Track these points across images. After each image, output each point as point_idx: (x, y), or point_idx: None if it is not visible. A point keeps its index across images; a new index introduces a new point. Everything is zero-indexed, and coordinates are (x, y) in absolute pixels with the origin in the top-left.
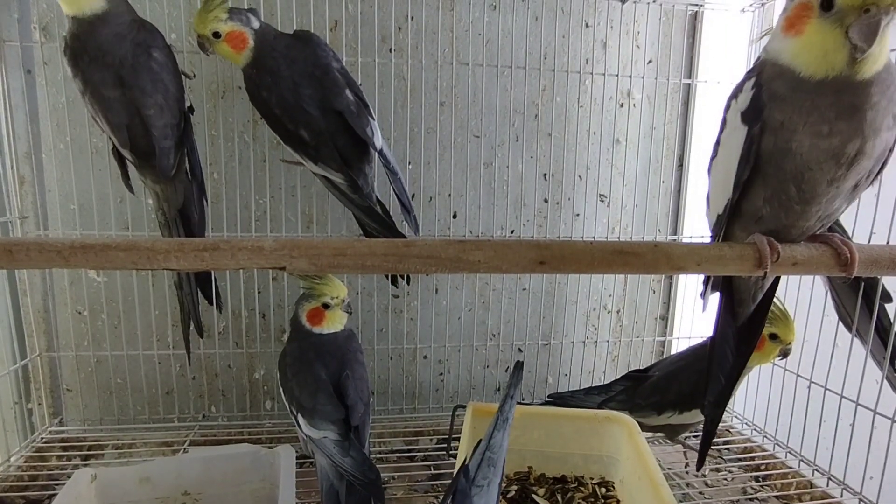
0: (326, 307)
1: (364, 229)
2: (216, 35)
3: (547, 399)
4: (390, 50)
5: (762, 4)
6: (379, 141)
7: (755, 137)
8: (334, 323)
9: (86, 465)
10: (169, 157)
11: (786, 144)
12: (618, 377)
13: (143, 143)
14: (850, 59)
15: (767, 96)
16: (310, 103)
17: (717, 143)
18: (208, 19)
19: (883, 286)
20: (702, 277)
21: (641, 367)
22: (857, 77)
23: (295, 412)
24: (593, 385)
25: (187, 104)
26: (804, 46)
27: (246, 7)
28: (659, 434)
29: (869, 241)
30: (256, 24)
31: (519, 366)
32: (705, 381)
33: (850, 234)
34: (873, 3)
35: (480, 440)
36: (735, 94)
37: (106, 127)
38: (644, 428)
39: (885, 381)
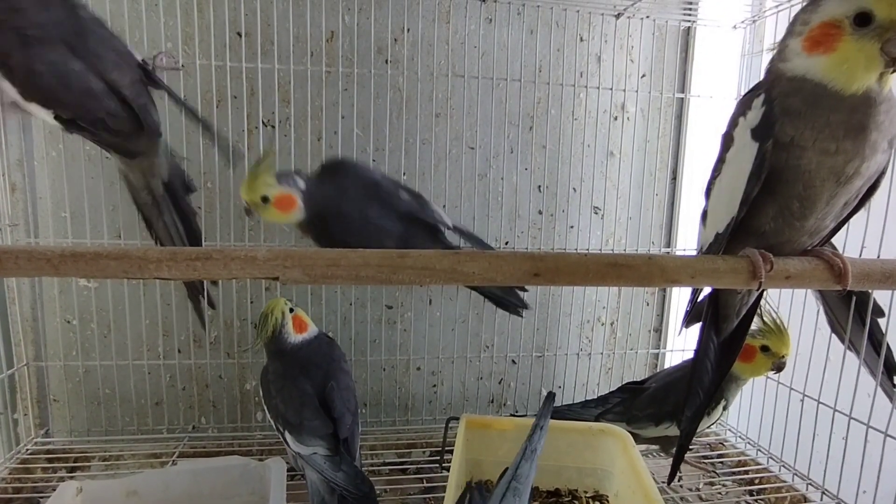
0: (292, 311)
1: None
2: (265, 199)
3: None
4: (386, 61)
5: (753, 21)
6: (449, 220)
7: (767, 154)
8: (310, 321)
9: (72, 478)
10: (151, 113)
11: (796, 161)
12: (613, 389)
13: (121, 112)
14: (880, 74)
15: (780, 111)
16: (380, 218)
17: (721, 160)
18: (257, 185)
19: (874, 300)
20: (685, 305)
21: (636, 380)
22: (877, 93)
23: (282, 429)
24: (588, 397)
25: (139, 58)
26: (839, 62)
27: (244, 31)
28: (653, 447)
29: (860, 255)
30: (302, 184)
31: (550, 397)
32: (685, 395)
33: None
34: None
35: (507, 469)
36: (742, 111)
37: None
38: (640, 440)
39: (877, 389)
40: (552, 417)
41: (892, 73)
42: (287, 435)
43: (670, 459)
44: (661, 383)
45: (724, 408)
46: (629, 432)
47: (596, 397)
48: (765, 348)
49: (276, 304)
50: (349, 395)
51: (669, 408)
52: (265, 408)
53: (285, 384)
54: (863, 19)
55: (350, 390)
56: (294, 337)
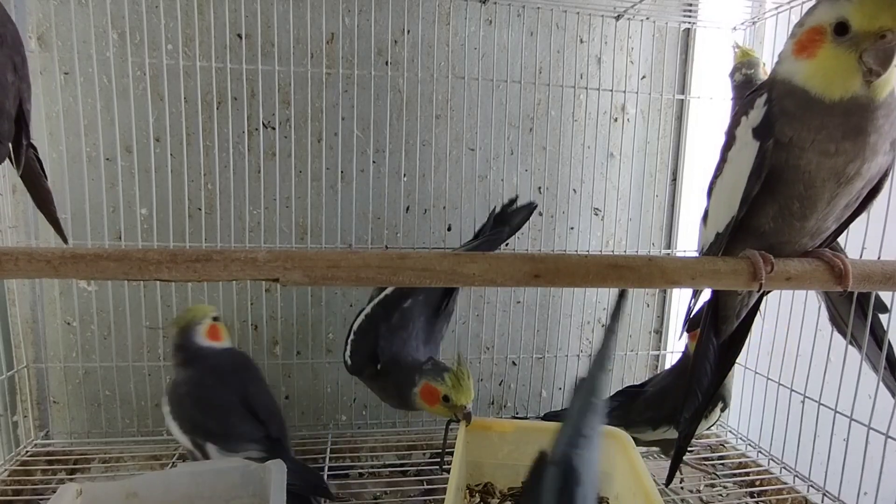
0: (216, 320)
1: None
2: None
3: (542, 417)
4: (386, 63)
5: (753, 23)
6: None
7: (768, 153)
8: (226, 336)
9: (71, 480)
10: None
11: (796, 161)
12: (612, 393)
13: None
14: (862, 83)
15: (778, 112)
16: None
17: (723, 160)
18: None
19: (877, 295)
20: (686, 309)
21: (636, 382)
22: (868, 100)
23: (201, 442)
24: None
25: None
26: (818, 69)
27: (244, 32)
28: (654, 449)
29: (861, 257)
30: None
31: (623, 295)
32: (683, 397)
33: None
34: (889, 28)
35: (581, 379)
36: (745, 111)
37: None
38: (639, 443)
39: (878, 388)
40: (551, 421)
41: (872, 82)
42: (209, 446)
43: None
44: (657, 387)
45: (722, 409)
46: None
47: None
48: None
49: (201, 307)
50: (270, 399)
51: (666, 411)
52: (173, 424)
53: (202, 393)
54: (841, 29)
55: (269, 393)
56: (205, 341)
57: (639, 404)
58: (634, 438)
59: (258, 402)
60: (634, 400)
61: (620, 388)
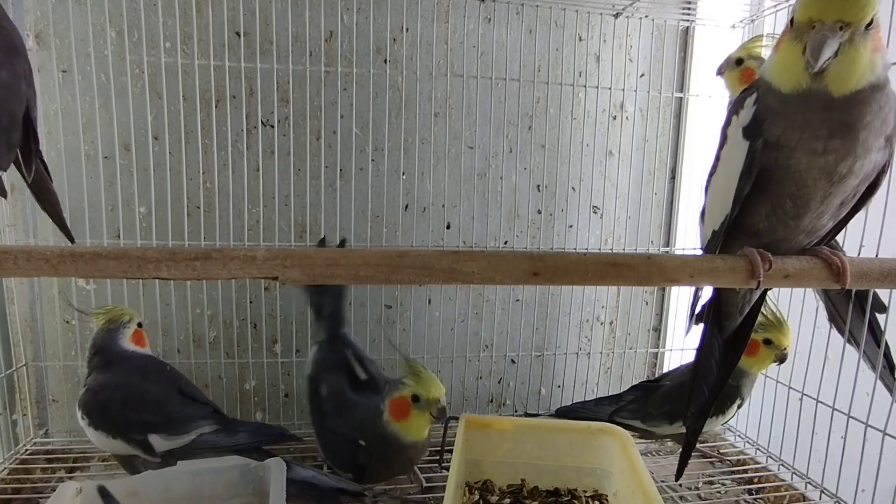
0: (140, 326)
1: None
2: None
3: (554, 413)
4: (385, 61)
5: (752, 21)
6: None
7: (757, 153)
8: (148, 345)
9: (71, 478)
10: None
11: (786, 161)
12: (614, 390)
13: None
14: (809, 75)
15: (763, 109)
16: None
17: (717, 158)
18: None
19: (875, 294)
20: (689, 305)
21: (635, 380)
22: (833, 93)
23: (139, 437)
24: (587, 397)
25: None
26: (777, 62)
27: (243, 30)
28: (653, 446)
29: (858, 254)
30: None
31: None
32: (689, 393)
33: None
34: (818, 19)
35: None
36: (736, 110)
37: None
38: (655, 437)
39: (876, 385)
40: (564, 416)
41: (811, 74)
42: (152, 438)
43: (670, 459)
44: (676, 382)
45: (739, 405)
46: (644, 430)
47: (609, 395)
48: (767, 341)
49: (128, 309)
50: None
51: (684, 406)
52: (96, 433)
53: (131, 392)
54: (792, 21)
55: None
56: (129, 345)
57: (656, 398)
58: (650, 432)
59: (193, 391)
60: (651, 394)
61: (635, 384)
